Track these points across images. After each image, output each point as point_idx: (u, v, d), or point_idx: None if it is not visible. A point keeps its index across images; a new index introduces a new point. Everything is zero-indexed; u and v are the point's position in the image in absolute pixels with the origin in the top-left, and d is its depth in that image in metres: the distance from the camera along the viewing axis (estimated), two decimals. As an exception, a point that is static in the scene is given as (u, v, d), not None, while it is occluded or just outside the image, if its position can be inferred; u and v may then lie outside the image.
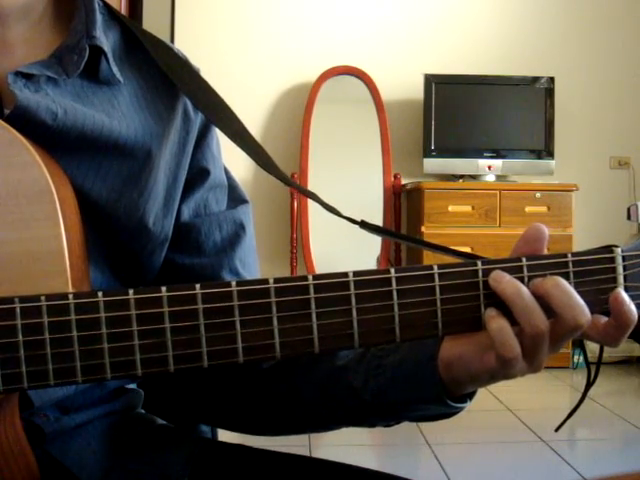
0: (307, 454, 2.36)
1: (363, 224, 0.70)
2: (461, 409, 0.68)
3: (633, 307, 0.59)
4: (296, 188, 0.82)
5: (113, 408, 0.78)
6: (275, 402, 0.77)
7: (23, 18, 0.72)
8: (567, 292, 0.58)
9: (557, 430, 0.70)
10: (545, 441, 2.72)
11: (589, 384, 0.68)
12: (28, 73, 0.68)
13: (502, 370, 0.60)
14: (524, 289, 0.58)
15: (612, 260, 0.60)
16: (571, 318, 0.58)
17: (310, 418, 0.76)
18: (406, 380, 0.67)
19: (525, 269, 0.60)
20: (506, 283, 0.59)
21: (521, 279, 0.59)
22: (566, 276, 0.59)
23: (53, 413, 0.71)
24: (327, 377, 0.72)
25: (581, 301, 0.58)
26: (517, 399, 3.26)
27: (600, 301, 0.60)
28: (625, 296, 0.59)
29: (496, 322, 0.58)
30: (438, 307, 0.59)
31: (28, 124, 0.66)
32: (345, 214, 0.72)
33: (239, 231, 0.81)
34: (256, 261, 0.84)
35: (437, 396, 0.65)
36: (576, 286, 0.59)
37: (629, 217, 3.59)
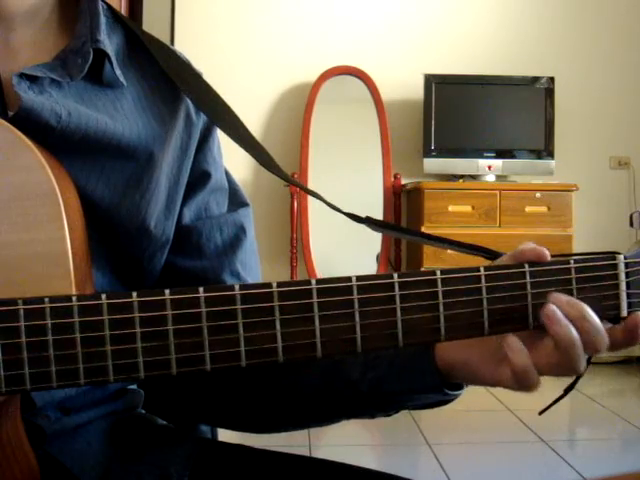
0: (307, 454, 2.36)
1: (368, 220, 0.70)
2: (458, 396, 0.70)
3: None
4: (300, 187, 0.82)
5: (114, 408, 0.78)
6: (275, 397, 0.77)
7: (29, 21, 0.73)
8: (594, 324, 0.59)
9: (541, 414, 0.70)
10: (545, 441, 2.72)
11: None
12: (32, 75, 0.68)
13: (516, 387, 0.62)
14: (579, 341, 0.58)
15: (614, 267, 0.60)
16: (593, 348, 0.59)
17: (310, 412, 0.77)
18: (403, 370, 0.68)
19: (528, 275, 0.60)
20: (562, 328, 0.58)
21: (523, 285, 0.59)
22: (568, 283, 0.59)
23: (54, 413, 0.71)
24: (325, 371, 0.73)
25: (602, 328, 0.59)
26: (517, 399, 3.24)
27: (601, 307, 0.60)
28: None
29: (522, 360, 0.59)
30: (441, 312, 0.59)
31: (32, 126, 0.66)
32: (346, 214, 0.72)
33: (240, 234, 0.81)
34: (257, 263, 0.84)
35: (434, 385, 0.67)
36: (578, 292, 0.59)
37: (631, 224, 3.56)
